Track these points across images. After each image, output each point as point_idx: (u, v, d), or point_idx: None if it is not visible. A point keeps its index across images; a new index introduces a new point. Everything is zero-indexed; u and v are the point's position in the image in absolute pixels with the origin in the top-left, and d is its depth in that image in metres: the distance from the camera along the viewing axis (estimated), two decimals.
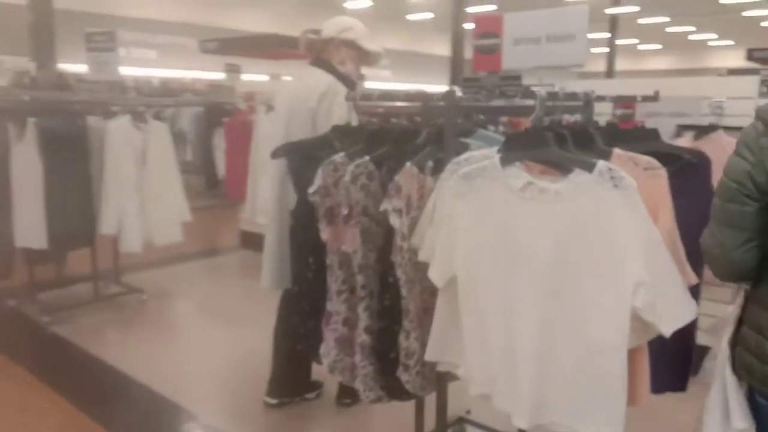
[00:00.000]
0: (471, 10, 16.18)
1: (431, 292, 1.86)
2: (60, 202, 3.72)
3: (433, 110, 1.82)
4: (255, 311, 4.17)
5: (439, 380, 1.93)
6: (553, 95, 1.75)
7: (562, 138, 1.56)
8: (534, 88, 1.60)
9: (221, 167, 6.91)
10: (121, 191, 3.96)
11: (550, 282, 1.49)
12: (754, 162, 1.31)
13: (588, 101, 1.84)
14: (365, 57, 2.73)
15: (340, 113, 2.45)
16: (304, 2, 18.59)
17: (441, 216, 1.67)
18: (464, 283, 1.62)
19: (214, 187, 7.46)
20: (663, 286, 1.41)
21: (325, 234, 1.89)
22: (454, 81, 15.23)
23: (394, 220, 1.70)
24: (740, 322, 1.50)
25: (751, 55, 17.23)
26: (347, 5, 18.54)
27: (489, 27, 3.25)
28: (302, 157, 1.99)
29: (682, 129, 3.12)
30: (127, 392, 3.16)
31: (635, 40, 26.61)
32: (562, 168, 1.53)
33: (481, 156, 1.65)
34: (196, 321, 4.33)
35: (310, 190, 1.85)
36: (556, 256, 1.48)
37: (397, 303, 1.79)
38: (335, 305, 1.95)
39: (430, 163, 1.80)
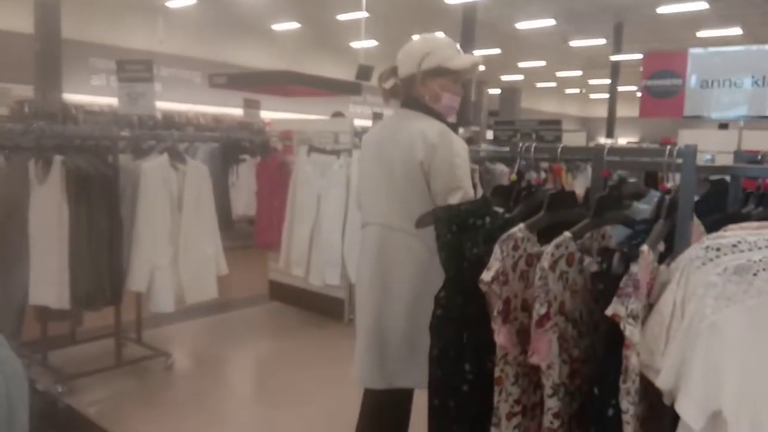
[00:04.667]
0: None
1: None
2: (86, 254, 3.18)
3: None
4: (304, 381, 3.65)
5: None
6: None
7: None
8: None
9: (238, 208, 6.39)
10: (155, 242, 3.42)
11: None
12: None
13: None
14: (460, 76, 2.10)
15: (464, 169, 1.98)
16: (307, 39, 18.12)
17: (694, 325, 1.18)
18: (737, 426, 1.12)
19: (227, 228, 6.85)
20: None
21: (501, 336, 1.38)
22: (464, 123, 14.79)
23: (631, 331, 1.19)
24: None
25: None
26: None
27: (665, 64, 2.68)
28: (458, 227, 1.49)
29: None
30: None
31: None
32: None
33: (763, 241, 1.16)
34: (235, 394, 3.69)
35: (486, 276, 1.35)
36: None
37: None
38: None
39: (661, 247, 1.31)
